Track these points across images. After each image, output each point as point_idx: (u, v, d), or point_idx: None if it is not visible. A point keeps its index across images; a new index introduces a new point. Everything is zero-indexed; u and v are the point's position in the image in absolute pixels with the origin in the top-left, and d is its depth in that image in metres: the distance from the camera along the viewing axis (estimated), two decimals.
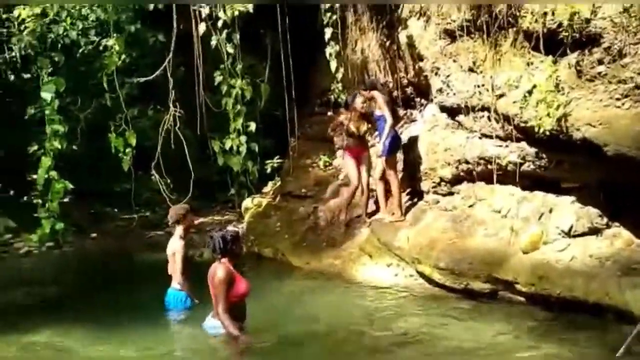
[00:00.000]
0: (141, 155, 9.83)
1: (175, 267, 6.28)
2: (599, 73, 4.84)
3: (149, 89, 10.86)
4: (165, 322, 6.10)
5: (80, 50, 10.37)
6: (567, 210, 5.65)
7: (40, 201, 9.53)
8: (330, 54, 8.24)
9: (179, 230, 6.30)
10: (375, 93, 7.57)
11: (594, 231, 5.47)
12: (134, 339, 5.48)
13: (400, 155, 7.72)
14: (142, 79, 9.56)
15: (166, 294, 6.32)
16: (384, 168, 7.43)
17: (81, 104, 10.43)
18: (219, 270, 4.90)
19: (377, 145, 7.63)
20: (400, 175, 7.61)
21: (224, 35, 8.30)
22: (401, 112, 8.44)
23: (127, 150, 9.25)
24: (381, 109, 7.41)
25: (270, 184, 10.32)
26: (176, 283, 6.30)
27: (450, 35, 6.68)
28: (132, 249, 10.20)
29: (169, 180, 9.44)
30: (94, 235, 10.85)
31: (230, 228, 5.51)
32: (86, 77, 10.93)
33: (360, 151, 7.91)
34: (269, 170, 10.04)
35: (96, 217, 11.58)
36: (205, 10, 8.13)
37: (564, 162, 5.60)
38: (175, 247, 6.27)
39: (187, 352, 5.37)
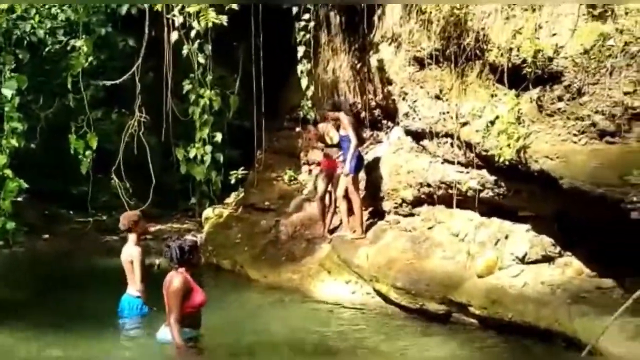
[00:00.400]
0: (102, 158, 9.68)
1: (133, 275, 6.18)
2: (559, 109, 5.08)
3: (115, 93, 10.72)
4: (118, 329, 5.99)
5: (47, 49, 10.17)
6: (522, 237, 5.86)
7: None
8: (302, 72, 8.35)
9: (132, 237, 6.21)
10: (340, 114, 7.72)
11: (547, 259, 5.68)
12: (84, 345, 5.36)
13: (363, 175, 7.86)
14: (109, 82, 9.45)
15: (120, 300, 6.21)
16: (347, 186, 7.54)
17: (43, 103, 10.20)
18: (175, 279, 4.86)
19: (343, 165, 7.74)
20: (362, 194, 7.73)
21: (196, 45, 8.31)
22: (368, 133, 8.60)
23: (87, 152, 9.10)
24: (345, 130, 7.56)
25: (233, 195, 10.30)
26: (134, 290, 6.20)
27: (420, 62, 6.88)
28: (86, 252, 9.99)
29: (128, 185, 9.32)
30: (46, 236, 10.57)
31: (188, 237, 5.46)
32: (50, 77, 10.71)
33: (334, 167, 8.00)
34: (233, 181, 10.01)
35: (50, 218, 11.29)
36: (178, 19, 8.12)
37: (521, 192, 5.82)
38: (131, 254, 6.17)
39: None
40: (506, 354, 5.12)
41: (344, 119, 7.63)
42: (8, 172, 9.08)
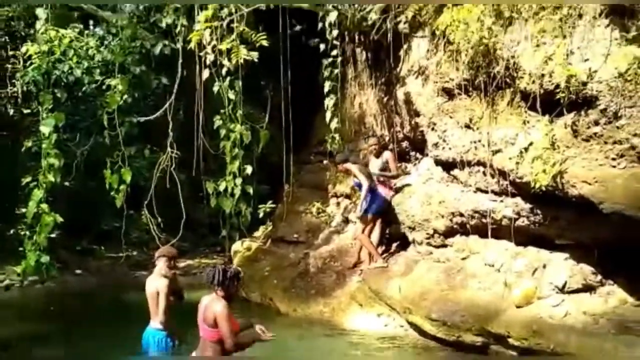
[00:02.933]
0: (133, 195, 9.83)
1: (157, 307, 6.15)
2: (595, 133, 5.02)
3: (148, 130, 10.99)
4: None
5: (83, 89, 10.52)
6: (561, 266, 5.72)
7: (27, 233, 9.40)
8: (328, 106, 8.48)
9: (160, 267, 6.21)
10: (347, 165, 7.94)
11: (588, 288, 5.52)
12: None
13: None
14: (143, 119, 9.70)
15: (144, 334, 6.18)
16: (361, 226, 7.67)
17: (79, 141, 10.49)
18: (217, 304, 4.74)
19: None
20: (390, 226, 7.74)
21: (227, 82, 8.52)
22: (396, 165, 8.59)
23: (122, 187, 9.25)
24: (357, 177, 7.76)
25: (261, 228, 10.33)
26: (157, 323, 6.16)
27: (448, 93, 6.92)
28: (116, 287, 10.04)
29: (159, 220, 9.42)
30: (78, 271, 10.68)
31: (234, 267, 5.45)
32: (86, 115, 11.05)
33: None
34: (261, 214, 10.07)
35: (82, 253, 11.43)
36: (210, 57, 8.36)
37: (559, 219, 5.70)
38: (157, 285, 6.15)
39: None
40: None
41: (352, 167, 7.86)
42: (44, 206, 9.28)
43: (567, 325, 5.23)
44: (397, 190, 7.97)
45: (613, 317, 5.13)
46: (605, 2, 4.95)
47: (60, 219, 9.44)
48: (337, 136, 8.95)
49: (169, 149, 9.22)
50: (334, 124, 8.55)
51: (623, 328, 4.94)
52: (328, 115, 8.47)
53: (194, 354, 4.98)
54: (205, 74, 8.46)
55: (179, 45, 9.15)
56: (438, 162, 7.36)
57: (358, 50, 9.34)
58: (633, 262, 5.20)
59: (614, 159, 4.88)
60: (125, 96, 9.36)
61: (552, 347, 5.17)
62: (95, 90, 10.29)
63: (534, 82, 5.53)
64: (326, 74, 8.55)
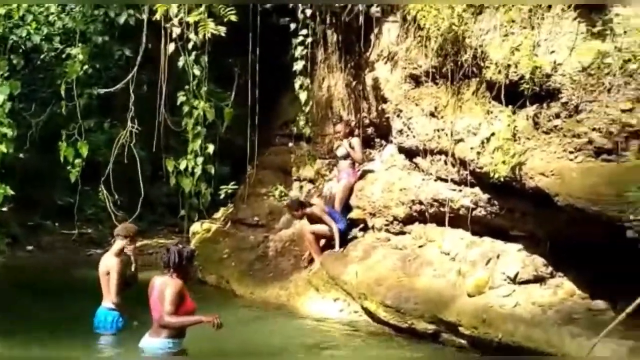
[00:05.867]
0: (90, 170, 9.54)
1: (110, 286, 6.01)
2: (555, 126, 5.03)
3: (108, 103, 10.66)
4: (94, 343, 5.80)
5: (41, 57, 10.13)
6: (514, 257, 5.76)
7: None
8: (301, 86, 8.34)
9: (116, 246, 6.08)
10: (307, 210, 7.68)
11: (539, 280, 5.56)
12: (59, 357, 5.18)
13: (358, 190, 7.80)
14: (103, 90, 9.39)
15: (96, 313, 6.03)
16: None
17: (34, 111, 10.11)
18: (171, 283, 4.77)
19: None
20: (355, 211, 7.66)
21: (192, 56, 8.29)
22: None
23: (77, 161, 8.96)
24: (323, 214, 7.53)
25: (222, 210, 10.16)
26: (110, 302, 6.03)
27: (415, 80, 6.88)
28: (68, 265, 9.76)
29: (116, 197, 9.17)
30: (29, 247, 10.35)
31: (188, 246, 5.38)
32: (43, 85, 10.65)
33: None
34: (222, 196, 9.89)
35: (34, 229, 11.07)
36: (176, 30, 8.11)
37: (514, 211, 5.73)
38: (109, 264, 6.02)
39: None
40: None
41: (316, 209, 7.63)
42: None
43: (516, 315, 5.27)
44: (361, 176, 7.92)
45: (561, 308, 5.18)
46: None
47: (11, 192, 9.08)
48: (304, 119, 8.83)
49: (129, 123, 8.96)
50: (307, 107, 8.44)
51: (569, 319, 5.00)
52: (302, 96, 8.33)
53: (146, 335, 4.90)
54: (171, 47, 8.22)
55: (145, 16, 8.86)
56: (401, 150, 7.34)
57: (329, 32, 9.18)
58: (583, 256, 5.26)
59: (571, 152, 4.89)
60: (86, 66, 9.07)
61: (500, 337, 5.21)
62: (54, 58, 9.89)
63: (499, 72, 5.51)
64: (296, 53, 8.41)
